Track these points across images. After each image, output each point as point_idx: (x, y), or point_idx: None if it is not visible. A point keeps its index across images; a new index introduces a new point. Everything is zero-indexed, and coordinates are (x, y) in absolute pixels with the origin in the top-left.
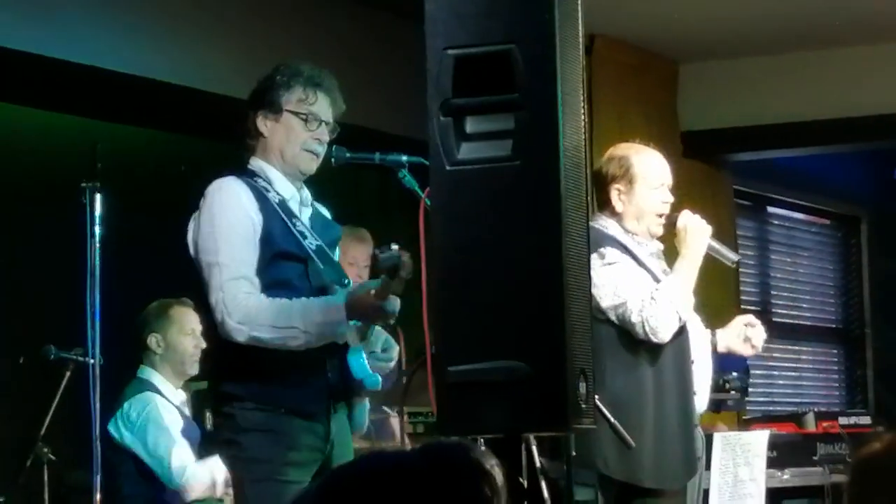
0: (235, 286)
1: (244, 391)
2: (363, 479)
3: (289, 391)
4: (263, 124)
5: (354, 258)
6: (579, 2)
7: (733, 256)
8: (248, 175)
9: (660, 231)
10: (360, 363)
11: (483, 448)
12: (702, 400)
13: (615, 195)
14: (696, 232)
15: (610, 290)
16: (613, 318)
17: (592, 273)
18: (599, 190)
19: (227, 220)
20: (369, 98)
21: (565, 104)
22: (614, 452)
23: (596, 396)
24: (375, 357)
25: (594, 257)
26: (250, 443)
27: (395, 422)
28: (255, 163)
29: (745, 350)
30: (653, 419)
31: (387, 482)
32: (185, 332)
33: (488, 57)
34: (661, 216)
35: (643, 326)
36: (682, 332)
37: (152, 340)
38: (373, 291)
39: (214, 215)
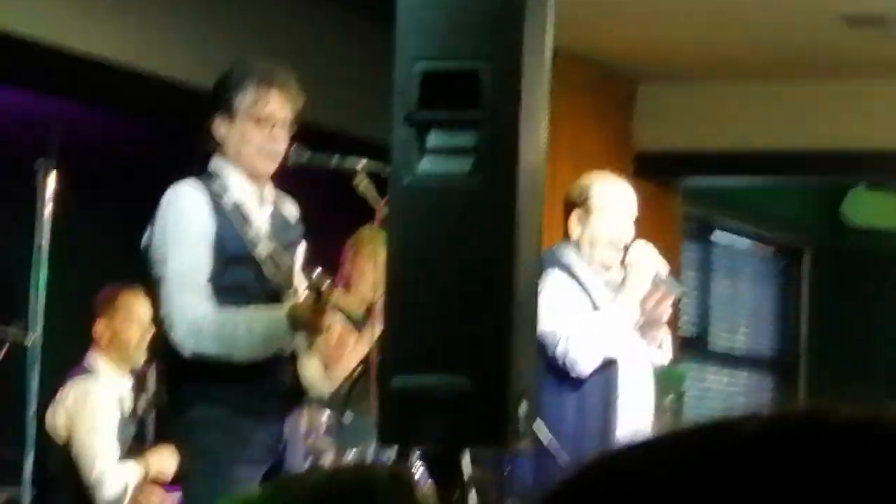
0: (182, 299)
1: (198, 394)
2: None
3: (243, 392)
4: (220, 127)
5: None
6: (548, 24)
7: (680, 290)
8: (205, 177)
9: (612, 263)
10: (310, 369)
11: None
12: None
13: (573, 221)
14: (642, 266)
15: (543, 315)
16: (542, 343)
17: None
18: (565, 216)
19: (178, 230)
20: (331, 97)
21: (527, 125)
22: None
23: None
24: None
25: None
26: (201, 437)
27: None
28: (214, 163)
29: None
30: (571, 443)
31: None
32: (130, 319)
33: (455, 73)
34: (616, 247)
35: (564, 357)
36: (610, 366)
37: (99, 326)
38: (311, 306)
39: (167, 225)
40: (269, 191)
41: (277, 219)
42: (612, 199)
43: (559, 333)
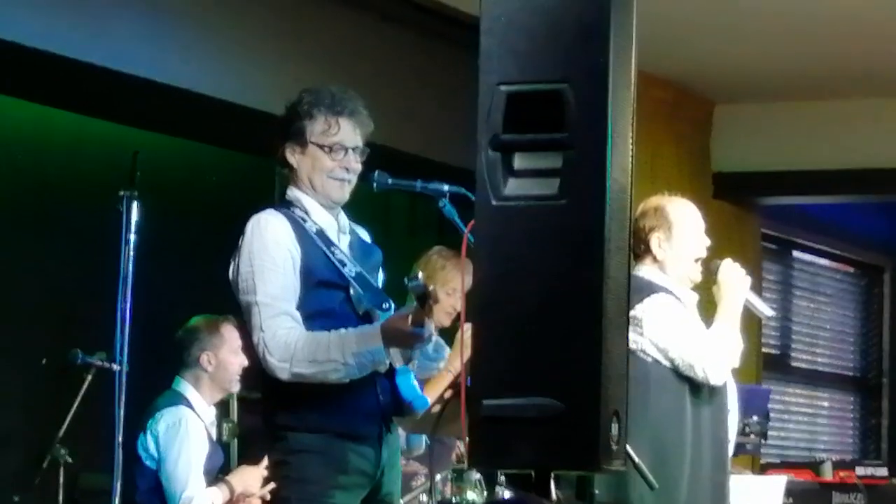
0: (275, 324)
1: (296, 420)
2: None
3: (340, 415)
4: (291, 156)
5: (454, 289)
6: (633, 44)
7: (768, 312)
8: (285, 206)
9: (698, 276)
10: (409, 384)
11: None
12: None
13: (656, 244)
14: (736, 285)
15: (668, 330)
16: (669, 357)
17: (649, 313)
18: (638, 242)
19: (265, 257)
20: (413, 122)
21: (614, 146)
22: (650, 492)
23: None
24: (426, 357)
25: (651, 300)
26: (300, 463)
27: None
28: (292, 192)
29: None
30: (689, 461)
31: None
32: (234, 351)
33: (540, 95)
34: (698, 261)
35: (702, 368)
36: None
37: (204, 358)
38: (409, 317)
39: (253, 253)
40: (343, 218)
41: (357, 244)
42: (688, 215)
43: (692, 346)
